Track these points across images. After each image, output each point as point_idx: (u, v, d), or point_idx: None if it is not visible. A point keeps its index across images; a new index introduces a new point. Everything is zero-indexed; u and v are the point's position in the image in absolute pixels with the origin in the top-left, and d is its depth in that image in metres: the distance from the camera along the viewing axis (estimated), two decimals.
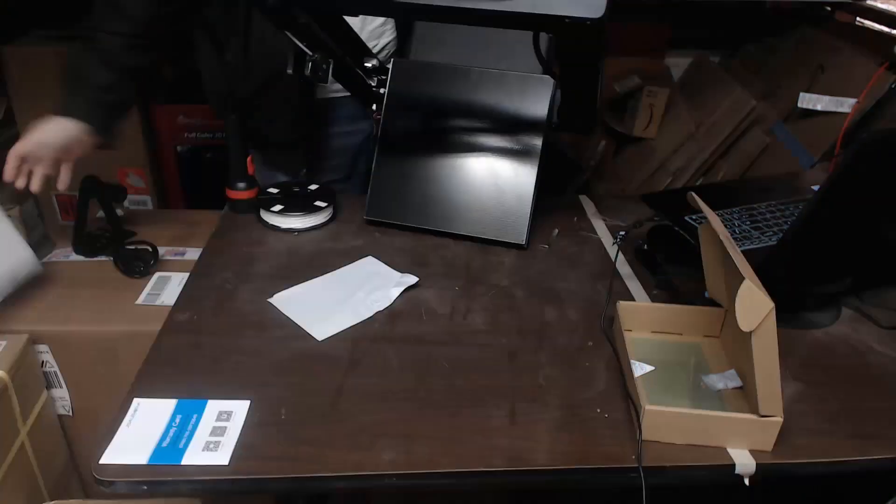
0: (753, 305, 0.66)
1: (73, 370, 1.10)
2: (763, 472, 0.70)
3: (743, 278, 0.66)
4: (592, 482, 0.71)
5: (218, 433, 0.71)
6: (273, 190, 1.19)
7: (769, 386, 0.68)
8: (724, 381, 0.76)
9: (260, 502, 1.09)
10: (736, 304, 0.66)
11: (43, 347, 1.07)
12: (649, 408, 0.71)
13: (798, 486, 1.30)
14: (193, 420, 0.73)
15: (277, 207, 1.13)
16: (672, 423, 0.71)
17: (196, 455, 0.69)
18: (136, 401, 0.75)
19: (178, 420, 0.73)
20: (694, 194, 0.84)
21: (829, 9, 2.16)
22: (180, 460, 0.68)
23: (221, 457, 0.68)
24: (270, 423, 0.73)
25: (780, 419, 0.69)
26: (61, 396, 1.13)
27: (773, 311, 0.66)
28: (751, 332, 0.66)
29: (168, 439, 0.70)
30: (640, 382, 0.76)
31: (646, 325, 0.89)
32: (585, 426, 0.74)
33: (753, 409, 0.71)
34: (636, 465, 0.69)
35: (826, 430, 0.75)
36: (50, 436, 1.12)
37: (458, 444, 0.71)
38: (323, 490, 0.69)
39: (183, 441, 0.70)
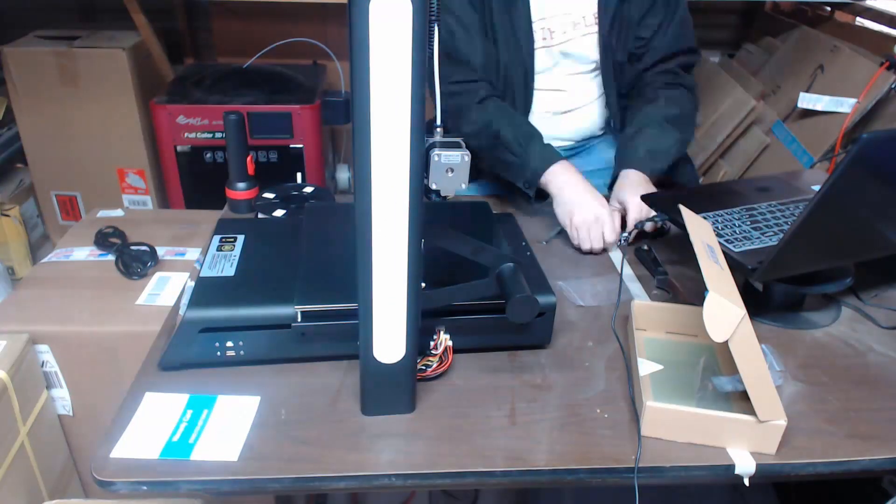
0: (722, 315, 0.65)
1: (73, 370, 1.10)
2: (763, 472, 0.70)
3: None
4: (592, 482, 0.71)
5: (227, 429, 0.71)
6: (269, 195, 1.19)
7: (762, 391, 0.68)
8: (732, 383, 0.75)
9: (260, 502, 1.09)
10: (704, 317, 0.66)
11: (43, 347, 1.07)
12: (650, 404, 0.71)
13: (798, 486, 1.30)
14: (204, 415, 0.73)
15: (279, 212, 1.13)
16: (673, 420, 0.71)
17: (205, 451, 0.69)
18: (146, 395, 0.76)
19: (188, 415, 0.73)
20: (683, 206, 0.83)
21: (829, 9, 2.16)
22: (189, 455, 0.68)
23: (230, 452, 0.68)
24: (271, 423, 0.73)
25: (783, 422, 0.69)
26: (61, 396, 1.13)
27: (746, 318, 0.66)
28: (727, 342, 0.66)
29: (178, 434, 0.71)
30: (646, 380, 0.76)
31: (660, 325, 0.89)
32: (585, 426, 0.74)
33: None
34: (635, 466, 0.69)
35: (826, 430, 0.74)
36: (50, 436, 1.12)
37: (458, 444, 0.71)
38: (323, 490, 0.69)
39: (193, 436, 0.70)
